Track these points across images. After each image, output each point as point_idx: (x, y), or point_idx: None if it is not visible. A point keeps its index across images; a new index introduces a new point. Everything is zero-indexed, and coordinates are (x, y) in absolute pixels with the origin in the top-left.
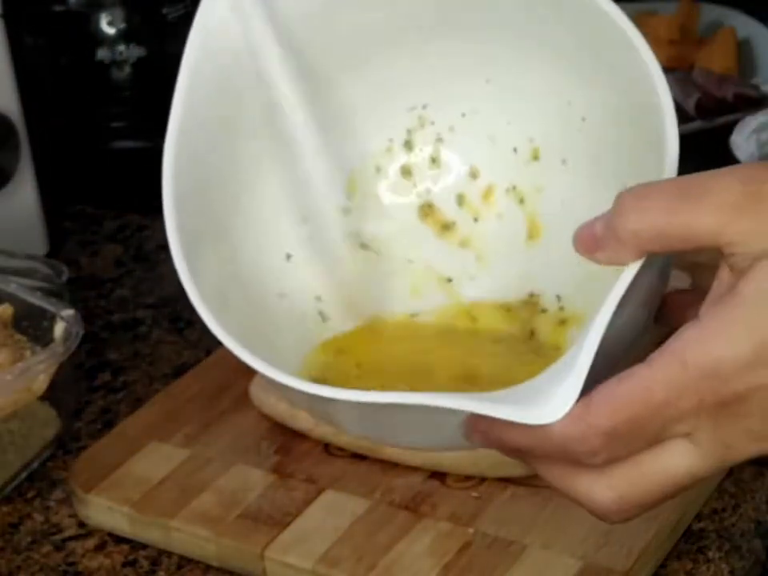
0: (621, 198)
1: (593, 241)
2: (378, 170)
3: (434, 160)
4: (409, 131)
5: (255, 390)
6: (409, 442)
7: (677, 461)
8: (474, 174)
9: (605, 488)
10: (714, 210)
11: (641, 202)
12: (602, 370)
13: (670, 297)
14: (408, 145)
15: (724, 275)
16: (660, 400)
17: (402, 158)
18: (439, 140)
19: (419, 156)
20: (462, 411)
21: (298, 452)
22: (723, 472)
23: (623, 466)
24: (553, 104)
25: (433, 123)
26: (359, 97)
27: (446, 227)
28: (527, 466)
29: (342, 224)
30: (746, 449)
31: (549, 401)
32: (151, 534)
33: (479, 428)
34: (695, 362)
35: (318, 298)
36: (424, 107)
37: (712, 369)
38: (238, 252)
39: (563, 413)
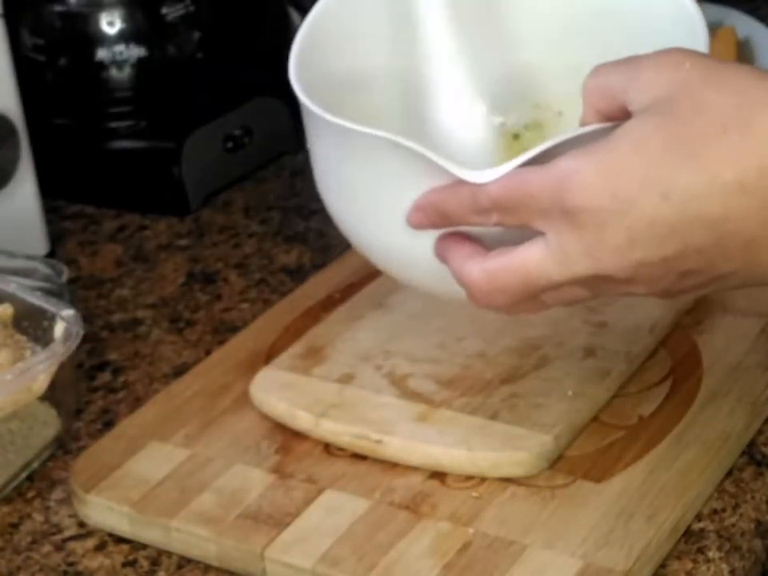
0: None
1: None
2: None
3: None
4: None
5: (255, 390)
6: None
7: (532, 253)
8: None
9: (480, 269)
10: (624, 69)
11: (599, 69)
12: None
13: None
14: (517, 137)
15: None
16: (530, 191)
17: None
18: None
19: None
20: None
21: (298, 452)
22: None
23: (497, 255)
24: None
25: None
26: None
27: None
28: (439, 253)
29: None
30: (580, 260)
31: (479, 174)
32: (151, 534)
33: (419, 199)
34: (556, 172)
35: None
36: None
37: (564, 179)
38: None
39: (481, 179)
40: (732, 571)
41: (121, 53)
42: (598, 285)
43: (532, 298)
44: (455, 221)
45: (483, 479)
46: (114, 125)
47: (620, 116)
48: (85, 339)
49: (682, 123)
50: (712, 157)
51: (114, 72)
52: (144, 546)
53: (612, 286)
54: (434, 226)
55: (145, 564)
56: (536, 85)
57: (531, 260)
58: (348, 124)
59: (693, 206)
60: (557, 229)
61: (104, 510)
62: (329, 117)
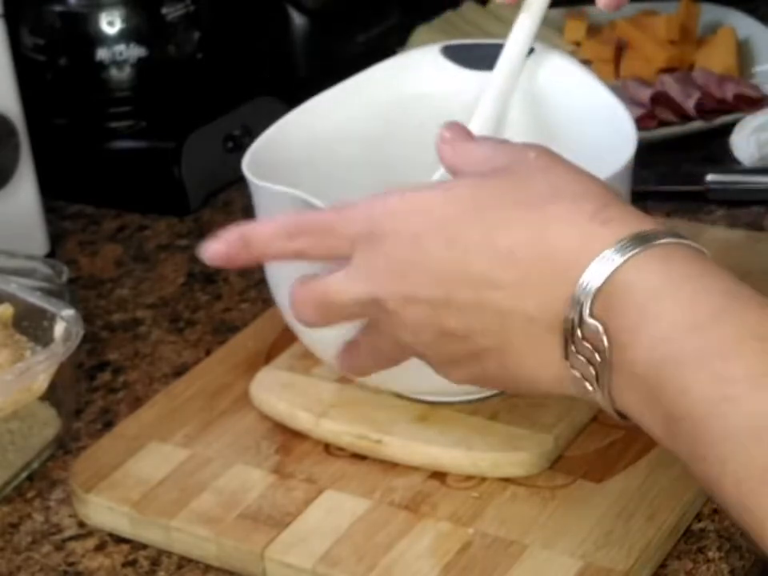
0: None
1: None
2: None
3: None
4: None
5: (255, 390)
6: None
7: (336, 275)
8: None
9: (298, 284)
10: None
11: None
12: None
13: None
14: None
15: None
16: (348, 215)
17: None
18: None
19: None
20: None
21: (298, 452)
22: None
23: (313, 279)
24: None
25: None
26: None
27: None
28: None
29: None
30: (387, 282)
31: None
32: (151, 534)
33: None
34: (368, 201)
35: None
36: None
37: (374, 205)
38: None
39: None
40: (732, 571)
41: (121, 53)
42: (375, 311)
43: (333, 314)
44: (257, 249)
45: (483, 479)
46: (114, 125)
47: None
48: (85, 339)
49: (494, 188)
50: (499, 222)
51: (114, 72)
52: (144, 546)
53: (385, 316)
54: (233, 253)
55: (145, 564)
56: None
57: (335, 279)
58: (273, 186)
59: (467, 260)
60: (357, 250)
61: (104, 510)
62: (264, 184)
